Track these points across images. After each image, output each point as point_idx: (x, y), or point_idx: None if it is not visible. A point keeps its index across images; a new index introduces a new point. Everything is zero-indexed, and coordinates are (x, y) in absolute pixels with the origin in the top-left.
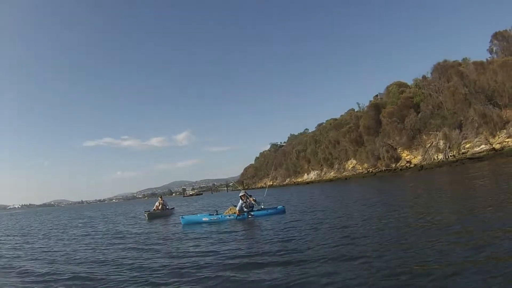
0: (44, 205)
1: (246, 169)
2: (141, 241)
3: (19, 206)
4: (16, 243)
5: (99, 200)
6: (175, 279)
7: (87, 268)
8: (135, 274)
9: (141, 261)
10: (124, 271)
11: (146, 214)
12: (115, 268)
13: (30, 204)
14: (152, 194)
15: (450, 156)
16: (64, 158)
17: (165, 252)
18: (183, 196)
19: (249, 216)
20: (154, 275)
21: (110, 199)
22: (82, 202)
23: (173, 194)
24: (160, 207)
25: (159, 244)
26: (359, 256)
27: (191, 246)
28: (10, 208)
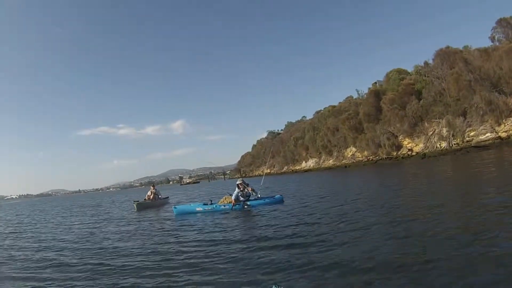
0: (42, 195)
1: (243, 157)
2: (123, 234)
3: (17, 197)
4: None
5: (96, 189)
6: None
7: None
8: (113, 274)
9: (119, 258)
10: (99, 271)
11: (135, 205)
12: (87, 268)
13: (27, 195)
14: (150, 182)
15: (454, 144)
16: (60, 148)
17: (149, 246)
18: (180, 185)
19: (245, 206)
20: (137, 273)
21: (108, 188)
22: (79, 191)
23: (171, 182)
24: (152, 197)
25: (144, 237)
26: (362, 246)
27: (181, 239)
28: (7, 198)
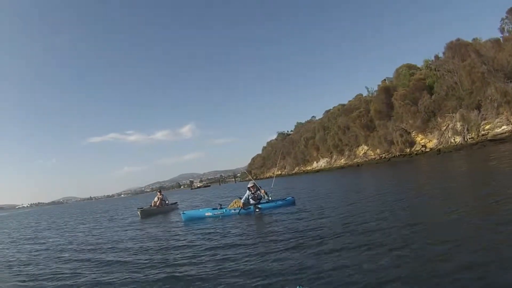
0: (53, 203)
1: (253, 159)
2: (118, 246)
3: (28, 205)
4: None
5: (108, 196)
6: None
7: None
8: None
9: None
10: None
11: (138, 212)
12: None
13: (39, 203)
14: (161, 188)
15: (469, 138)
16: (70, 156)
17: (157, 255)
18: (191, 189)
19: (257, 210)
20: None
21: (119, 194)
22: (90, 198)
23: (181, 187)
24: (158, 203)
25: (150, 244)
26: (382, 248)
27: (192, 245)
28: (19, 207)
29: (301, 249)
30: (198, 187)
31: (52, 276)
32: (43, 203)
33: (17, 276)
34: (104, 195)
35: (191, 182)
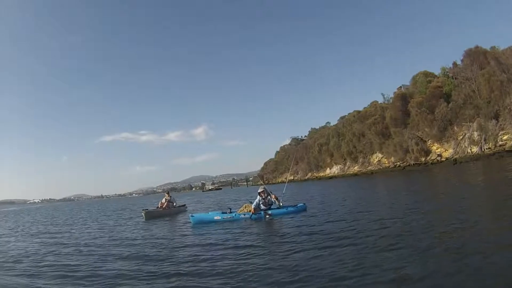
0: (64, 199)
1: (266, 164)
2: (119, 249)
3: (39, 201)
4: None
5: (119, 195)
6: None
7: None
8: None
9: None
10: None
11: (143, 213)
12: None
13: (50, 199)
14: (172, 189)
15: (486, 148)
16: (82, 154)
17: (163, 258)
18: (202, 191)
19: (267, 216)
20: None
21: (130, 194)
22: (102, 196)
23: (193, 189)
24: (165, 205)
25: (156, 249)
26: (391, 261)
27: (198, 250)
28: (30, 202)
29: (307, 257)
30: (210, 190)
31: (47, 272)
32: (54, 199)
33: (11, 272)
34: (115, 194)
35: (203, 184)
